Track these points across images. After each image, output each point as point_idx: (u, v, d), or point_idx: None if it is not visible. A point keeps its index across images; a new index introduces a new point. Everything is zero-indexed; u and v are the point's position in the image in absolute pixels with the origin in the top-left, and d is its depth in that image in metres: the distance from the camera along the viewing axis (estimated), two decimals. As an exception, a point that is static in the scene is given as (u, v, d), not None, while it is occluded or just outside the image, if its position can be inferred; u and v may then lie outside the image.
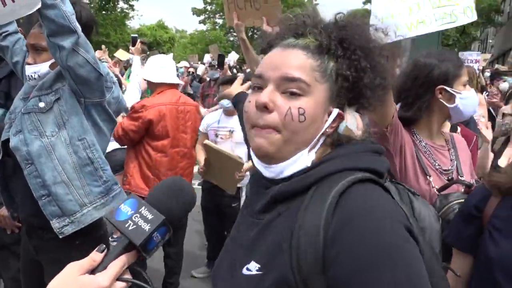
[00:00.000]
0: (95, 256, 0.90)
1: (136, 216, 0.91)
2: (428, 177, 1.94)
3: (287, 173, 1.03)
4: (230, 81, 3.81)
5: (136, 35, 6.10)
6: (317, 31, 1.05)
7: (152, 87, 3.82)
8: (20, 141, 2.17)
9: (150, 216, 0.91)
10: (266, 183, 1.06)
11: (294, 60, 1.01)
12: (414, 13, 1.88)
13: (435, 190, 1.91)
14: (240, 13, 3.03)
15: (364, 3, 41.22)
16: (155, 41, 42.75)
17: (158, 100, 3.63)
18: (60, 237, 2.17)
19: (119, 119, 3.33)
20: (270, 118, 0.99)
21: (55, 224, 2.17)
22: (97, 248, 0.91)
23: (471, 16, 1.84)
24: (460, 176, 1.99)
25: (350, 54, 1.03)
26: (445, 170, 2.00)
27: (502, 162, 3.12)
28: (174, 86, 3.86)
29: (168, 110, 3.61)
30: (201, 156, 4.00)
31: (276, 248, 0.98)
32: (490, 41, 37.76)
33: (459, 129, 2.98)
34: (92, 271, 0.88)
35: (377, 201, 0.94)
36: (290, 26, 1.10)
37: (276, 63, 1.02)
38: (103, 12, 32.37)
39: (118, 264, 0.89)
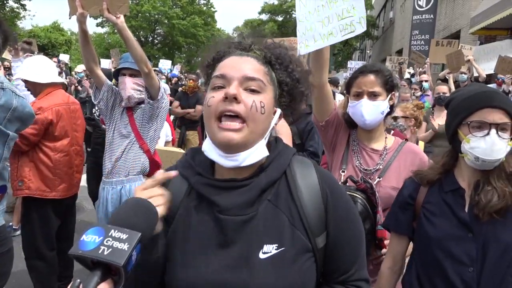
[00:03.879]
0: None
1: (108, 240, 0.86)
2: (341, 171, 2.20)
3: (248, 161, 1.16)
4: None
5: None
6: (259, 48, 1.25)
7: (37, 88, 3.53)
8: None
9: (124, 236, 0.87)
10: (230, 183, 1.18)
11: (251, 65, 1.19)
12: (325, 26, 2.04)
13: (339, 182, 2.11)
14: (84, 1, 2.87)
15: (259, 13, 43.44)
16: (50, 44, 40.42)
17: (53, 101, 3.48)
18: None
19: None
20: (238, 107, 1.12)
21: None
22: (70, 285, 0.83)
23: (364, 26, 1.96)
24: (378, 178, 2.16)
25: (286, 67, 1.24)
26: (364, 169, 2.21)
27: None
28: (59, 86, 3.75)
29: (64, 110, 3.55)
30: None
31: (285, 224, 1.16)
32: (368, 51, 40.64)
33: (392, 131, 3.15)
34: None
35: None
36: (234, 44, 1.28)
37: (238, 66, 1.18)
38: (-10, 10, 30.12)
39: None
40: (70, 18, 3.05)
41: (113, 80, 3.70)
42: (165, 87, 10.11)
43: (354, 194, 1.96)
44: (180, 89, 9.11)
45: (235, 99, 1.12)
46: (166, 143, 4.41)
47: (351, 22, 1.99)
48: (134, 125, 3.21)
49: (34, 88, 3.55)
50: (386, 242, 2.10)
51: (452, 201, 1.74)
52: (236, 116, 1.13)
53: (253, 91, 1.16)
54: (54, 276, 3.69)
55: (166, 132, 4.43)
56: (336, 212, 1.22)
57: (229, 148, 1.15)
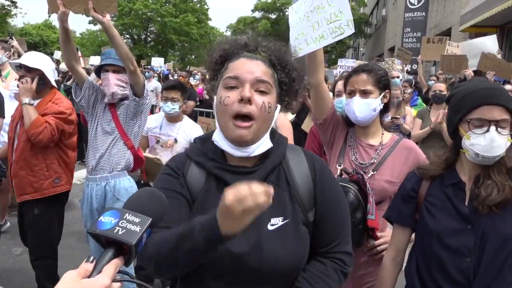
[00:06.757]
0: (86, 266, 0.91)
1: (123, 222, 0.95)
2: (337, 165, 2.34)
3: (257, 152, 1.34)
4: (174, 87, 3.91)
5: None
6: (265, 50, 1.38)
7: (47, 87, 3.42)
8: None
9: (137, 220, 0.96)
10: (241, 169, 1.35)
11: (261, 68, 1.33)
12: (316, 29, 2.18)
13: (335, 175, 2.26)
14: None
15: (253, 11, 43.35)
16: (42, 41, 40.19)
17: (66, 100, 3.55)
18: None
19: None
20: (251, 108, 1.28)
21: None
22: (86, 260, 0.92)
23: (352, 28, 2.12)
24: (373, 171, 2.28)
25: (284, 67, 1.39)
26: (360, 163, 2.33)
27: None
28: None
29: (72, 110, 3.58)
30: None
31: (287, 200, 1.36)
32: (361, 49, 40.98)
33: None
34: (88, 278, 0.89)
35: None
36: (239, 44, 1.39)
37: (249, 69, 1.32)
38: (-19, 8, 29.85)
39: (112, 267, 0.92)
40: (49, 16, 3.10)
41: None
42: (156, 86, 10.09)
43: (347, 185, 2.11)
44: None
45: (249, 101, 1.27)
46: None
47: (339, 25, 2.13)
48: (118, 121, 3.21)
49: (45, 86, 3.40)
50: (380, 234, 2.20)
51: (453, 195, 1.78)
52: (247, 116, 1.29)
53: (262, 92, 1.31)
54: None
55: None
56: (323, 190, 1.41)
57: (242, 143, 1.31)
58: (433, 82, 7.54)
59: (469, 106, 1.71)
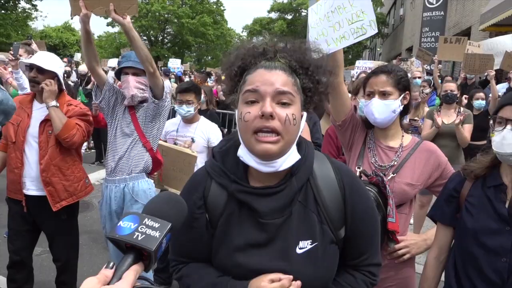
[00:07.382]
0: (106, 272, 0.90)
1: (142, 227, 0.94)
2: (357, 167, 2.30)
3: (285, 166, 1.27)
4: (188, 89, 3.88)
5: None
6: (284, 56, 1.29)
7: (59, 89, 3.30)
8: None
9: (156, 225, 0.95)
10: (267, 190, 1.30)
11: (281, 78, 1.24)
12: (337, 30, 2.15)
13: None
14: (88, 1, 2.85)
15: (269, 11, 43.27)
16: (62, 44, 41.00)
17: (79, 102, 3.53)
18: None
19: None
20: (274, 123, 1.21)
21: None
22: (105, 265, 0.91)
23: (375, 28, 2.08)
24: (393, 174, 2.24)
25: (306, 70, 1.30)
26: (379, 165, 2.29)
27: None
28: None
29: None
30: None
31: (315, 222, 1.31)
32: (378, 49, 40.79)
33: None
34: (107, 285, 0.89)
35: None
36: (257, 52, 1.31)
37: (269, 80, 1.24)
38: (2, 11, 30.32)
39: (132, 273, 0.91)
40: (72, 19, 3.09)
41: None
42: (168, 85, 10.17)
43: (367, 187, 2.02)
44: None
45: (271, 116, 1.21)
46: None
47: (361, 25, 2.10)
48: (137, 124, 3.23)
49: (60, 87, 3.32)
50: (401, 237, 2.17)
51: (493, 196, 1.80)
52: (271, 131, 1.22)
53: (284, 104, 1.23)
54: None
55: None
56: (353, 207, 1.35)
57: (267, 158, 1.24)
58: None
59: (498, 105, 1.80)
